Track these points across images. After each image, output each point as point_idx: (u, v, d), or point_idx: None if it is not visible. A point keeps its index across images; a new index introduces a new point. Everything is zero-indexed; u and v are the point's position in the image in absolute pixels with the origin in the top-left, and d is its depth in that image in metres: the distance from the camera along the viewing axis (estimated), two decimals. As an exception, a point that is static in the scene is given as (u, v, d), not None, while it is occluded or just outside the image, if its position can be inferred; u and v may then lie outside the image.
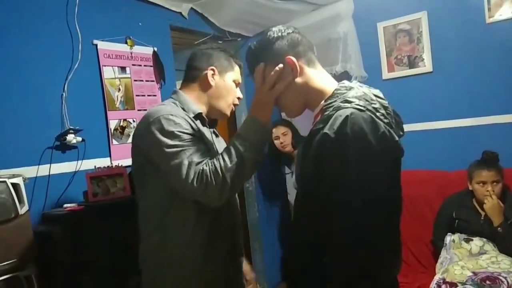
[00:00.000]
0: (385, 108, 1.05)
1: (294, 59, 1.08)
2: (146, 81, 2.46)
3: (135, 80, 2.38)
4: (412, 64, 2.99)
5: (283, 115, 3.01)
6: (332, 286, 0.98)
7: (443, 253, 2.32)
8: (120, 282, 1.63)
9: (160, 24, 2.61)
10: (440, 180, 2.80)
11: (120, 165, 1.96)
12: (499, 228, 2.19)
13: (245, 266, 1.62)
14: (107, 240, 1.59)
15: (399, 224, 1.10)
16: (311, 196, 1.03)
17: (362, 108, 0.97)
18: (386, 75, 3.09)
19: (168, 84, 2.57)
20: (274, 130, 2.92)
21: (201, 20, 2.91)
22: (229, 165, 1.14)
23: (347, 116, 0.94)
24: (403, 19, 2.98)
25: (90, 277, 1.52)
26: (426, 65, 2.93)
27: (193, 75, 1.43)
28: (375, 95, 1.07)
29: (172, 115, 1.25)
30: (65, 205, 1.66)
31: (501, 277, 1.95)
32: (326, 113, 1.02)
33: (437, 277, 2.11)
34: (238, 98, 1.48)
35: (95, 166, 1.92)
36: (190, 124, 1.30)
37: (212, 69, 1.40)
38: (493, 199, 2.21)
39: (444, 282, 2.03)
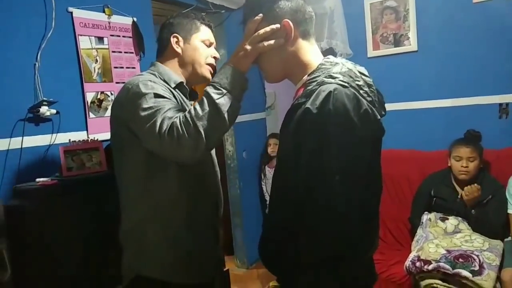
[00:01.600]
0: (369, 86, 1.03)
1: (291, 24, 1.05)
2: (125, 52, 2.37)
3: (113, 51, 2.30)
4: (397, 43, 2.96)
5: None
6: (305, 266, 0.98)
7: (419, 231, 2.36)
8: (93, 257, 1.61)
9: (140, -7, 2.50)
10: (421, 160, 2.83)
11: (96, 139, 1.90)
12: (472, 210, 2.24)
13: None
14: (81, 215, 1.55)
15: (378, 204, 1.09)
16: (289, 172, 1.01)
17: (346, 84, 0.95)
18: (371, 53, 3.07)
19: (148, 56, 2.48)
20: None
21: (183, -9, 2.81)
22: (200, 113, 1.07)
23: (330, 91, 0.92)
24: (390, -4, 2.94)
25: (62, 252, 1.49)
26: (412, 44, 2.91)
27: (162, 47, 1.45)
28: (360, 72, 1.05)
29: (150, 81, 1.25)
30: (38, 180, 1.61)
31: (473, 255, 1.99)
32: (309, 87, 0.99)
33: (412, 255, 2.15)
34: (215, 58, 1.45)
35: (69, 140, 1.86)
36: (172, 93, 1.30)
37: (175, 36, 1.39)
38: (472, 190, 2.22)
39: (419, 259, 2.07)
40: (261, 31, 1.06)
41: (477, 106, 2.75)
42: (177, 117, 1.11)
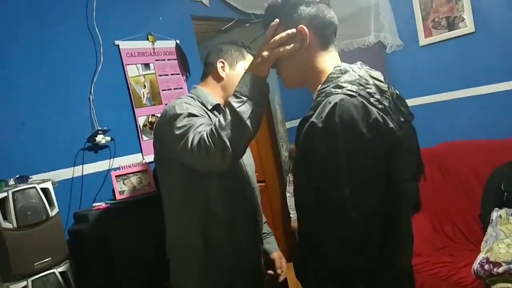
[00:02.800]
0: (382, 92, 0.98)
1: (307, 30, 1.03)
2: (171, 74, 2.50)
3: (159, 75, 2.44)
4: (451, 26, 2.75)
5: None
6: (325, 279, 0.97)
7: (489, 229, 2.17)
8: (148, 274, 1.72)
9: (181, 16, 2.62)
10: (489, 150, 2.59)
11: (145, 161, 2.03)
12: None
13: (277, 254, 1.65)
14: (133, 234, 1.67)
15: (407, 215, 1.04)
16: (303, 188, 1.00)
17: (353, 93, 0.91)
18: (423, 41, 2.89)
19: (194, 75, 2.59)
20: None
21: (223, 6, 2.88)
22: (223, 123, 1.11)
23: (336, 103, 0.89)
24: (438, -23, 2.74)
25: (121, 271, 1.62)
26: (468, 25, 2.68)
27: (207, 70, 1.51)
28: (373, 77, 1.00)
29: (186, 103, 1.33)
30: (94, 204, 1.77)
31: (551, 255, 1.79)
32: (318, 99, 0.97)
33: (480, 256, 1.98)
34: None
35: (120, 165, 2.01)
36: (208, 114, 1.37)
37: (222, 62, 1.46)
38: None
39: (488, 261, 1.90)
40: (277, 37, 1.06)
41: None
42: (205, 130, 1.17)
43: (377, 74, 1.03)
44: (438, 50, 2.82)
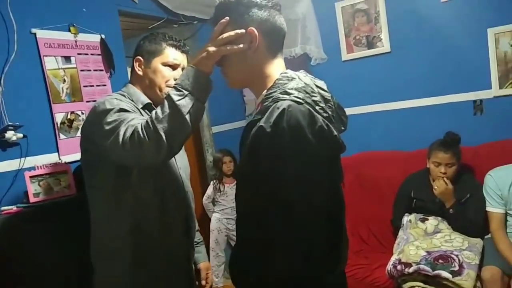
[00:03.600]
0: (326, 101, 1.02)
1: (256, 33, 1.02)
2: (94, 70, 2.34)
3: (81, 70, 2.26)
4: (370, 45, 2.97)
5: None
6: (268, 286, 0.96)
7: (400, 233, 2.36)
8: (66, 282, 1.57)
9: (107, 10, 2.47)
10: (402, 160, 2.84)
11: (63, 161, 1.87)
12: (450, 210, 2.24)
13: (204, 265, 1.61)
14: (49, 241, 1.51)
15: (342, 218, 1.07)
16: (247, 191, 1.00)
17: (300, 101, 0.93)
18: (345, 56, 3.07)
19: (119, 72, 2.46)
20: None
21: (152, 4, 2.78)
22: (160, 116, 1.06)
23: (284, 109, 0.90)
24: (360, -1, 2.95)
25: (32, 280, 1.45)
26: (384, 45, 2.92)
27: (131, 69, 1.45)
28: (318, 87, 1.03)
29: (116, 99, 1.27)
30: (2, 208, 1.57)
31: (453, 255, 1.99)
32: (265, 103, 0.98)
33: (393, 258, 2.14)
34: (175, 79, 1.40)
35: (35, 165, 1.82)
36: (140, 112, 1.31)
37: (137, 59, 1.40)
38: (441, 184, 2.23)
39: (400, 262, 2.06)
40: (226, 34, 1.05)
41: (453, 104, 2.77)
42: (139, 123, 1.10)
43: (321, 83, 1.07)
44: (358, 65, 3.03)
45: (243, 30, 1.03)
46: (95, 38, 2.35)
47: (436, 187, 2.24)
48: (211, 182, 3.25)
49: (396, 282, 2.12)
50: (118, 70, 2.45)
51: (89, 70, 2.31)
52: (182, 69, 1.40)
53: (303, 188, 0.90)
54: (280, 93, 0.97)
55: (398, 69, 2.91)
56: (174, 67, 1.40)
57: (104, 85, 2.39)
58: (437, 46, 2.76)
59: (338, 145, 0.98)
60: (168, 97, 1.08)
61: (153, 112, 1.09)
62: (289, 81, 1.01)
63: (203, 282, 1.61)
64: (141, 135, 1.06)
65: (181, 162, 1.47)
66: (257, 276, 0.98)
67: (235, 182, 3.20)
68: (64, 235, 1.54)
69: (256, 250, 0.98)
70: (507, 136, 2.49)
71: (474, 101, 2.69)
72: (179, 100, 1.06)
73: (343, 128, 1.08)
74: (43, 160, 1.95)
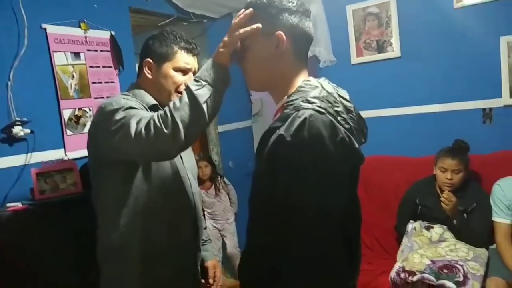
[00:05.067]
0: (348, 111, 1.00)
1: (285, 37, 1.00)
2: (103, 67, 2.34)
3: (90, 66, 2.26)
4: (380, 49, 2.94)
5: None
6: None
7: (405, 240, 2.34)
8: (72, 282, 1.57)
9: (118, 6, 2.47)
10: (408, 167, 2.81)
11: (69, 158, 1.87)
12: (454, 221, 2.22)
13: (212, 263, 1.61)
14: (54, 239, 1.51)
15: (357, 234, 1.06)
16: (262, 198, 0.98)
17: (322, 110, 0.91)
18: (354, 59, 3.05)
19: (128, 69, 2.46)
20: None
21: (163, 1, 2.78)
22: (178, 105, 1.07)
23: (305, 118, 0.89)
24: (372, 2, 2.92)
25: (38, 279, 1.45)
26: (395, 50, 2.89)
27: (139, 68, 1.42)
28: (341, 96, 1.01)
29: (124, 98, 1.26)
30: (8, 204, 1.57)
31: (458, 265, 1.98)
32: (286, 110, 0.96)
33: (397, 265, 2.13)
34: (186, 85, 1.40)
35: (42, 161, 1.82)
36: (147, 110, 1.29)
37: (147, 62, 1.36)
38: (449, 199, 2.20)
39: (404, 270, 2.05)
40: (236, 19, 1.04)
41: (462, 112, 2.73)
42: (155, 114, 1.10)
43: (344, 93, 1.04)
44: (368, 69, 3.00)
45: (259, 25, 1.02)
46: (105, 34, 2.35)
47: (447, 203, 2.21)
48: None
49: (399, 290, 2.11)
50: (127, 67, 2.45)
51: (98, 67, 2.31)
52: (194, 73, 1.38)
53: (321, 199, 0.88)
54: (302, 101, 0.95)
55: (408, 75, 2.88)
56: (185, 71, 1.37)
57: (113, 82, 2.39)
58: (449, 52, 2.73)
59: (358, 157, 0.96)
60: (187, 88, 1.09)
61: (171, 103, 1.10)
62: (312, 89, 0.99)
63: (211, 281, 1.60)
64: (158, 124, 1.06)
65: (188, 163, 1.46)
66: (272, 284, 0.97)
67: (212, 187, 3.22)
68: (70, 233, 1.54)
69: (267, 259, 0.96)
70: (516, 145, 2.46)
71: (484, 110, 2.66)
72: (197, 90, 1.07)
73: (363, 140, 1.06)
74: (49, 156, 1.95)
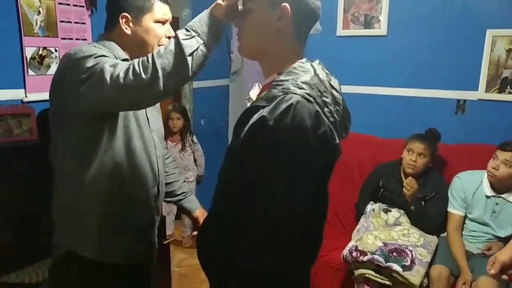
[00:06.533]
0: (336, 103, 0.97)
1: (289, 9, 0.94)
2: (74, 5, 2.18)
3: (59, 3, 2.10)
4: (368, 24, 2.87)
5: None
6: (232, 277, 0.95)
7: (362, 220, 2.40)
8: (22, 229, 1.53)
9: None
10: (375, 146, 2.84)
11: (30, 100, 1.76)
12: (412, 207, 2.28)
13: (200, 211, 1.60)
14: (6, 188, 1.45)
15: (323, 224, 1.06)
16: (233, 172, 0.97)
17: (310, 99, 0.88)
18: (340, 31, 2.98)
19: (101, 11, 2.28)
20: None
21: None
22: (162, 51, 1.03)
23: (292, 104, 0.86)
24: (365, -27, 2.81)
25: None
26: (382, 27, 2.83)
27: (109, 23, 1.30)
28: (332, 86, 0.98)
29: (95, 46, 1.18)
30: (-46, 146, 1.49)
31: (407, 250, 2.05)
32: (274, 90, 0.92)
33: (350, 244, 2.19)
34: (169, 37, 1.30)
35: (-3, 102, 1.72)
36: None
37: (125, 16, 1.24)
38: (412, 185, 2.25)
39: (356, 249, 2.11)
40: None
41: (436, 99, 2.75)
42: (135, 60, 1.06)
43: (335, 83, 1.01)
44: (352, 44, 2.94)
45: None
46: (79, -30, 2.17)
47: (408, 188, 2.26)
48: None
49: (349, 267, 2.18)
50: (100, 9, 2.29)
51: (68, 5, 2.15)
52: (170, 23, 1.32)
53: (289, 188, 0.88)
54: (292, 84, 0.91)
55: (390, 55, 2.84)
56: (163, 22, 1.30)
57: (84, 23, 2.24)
58: (433, 38, 2.69)
59: (336, 152, 0.96)
60: (175, 36, 1.05)
61: (155, 49, 1.06)
62: (304, 73, 0.95)
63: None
64: (137, 68, 1.03)
65: (155, 124, 1.39)
66: (223, 263, 0.97)
67: (180, 141, 3.16)
68: (23, 181, 1.47)
69: (227, 233, 0.96)
70: (484, 140, 2.50)
71: (458, 100, 2.68)
72: (185, 39, 1.03)
73: (344, 135, 1.04)
74: (7, 95, 1.84)
